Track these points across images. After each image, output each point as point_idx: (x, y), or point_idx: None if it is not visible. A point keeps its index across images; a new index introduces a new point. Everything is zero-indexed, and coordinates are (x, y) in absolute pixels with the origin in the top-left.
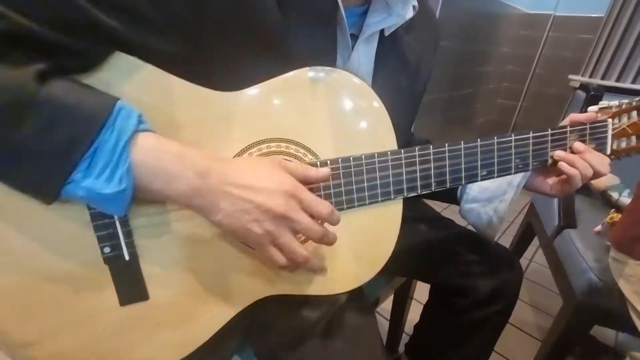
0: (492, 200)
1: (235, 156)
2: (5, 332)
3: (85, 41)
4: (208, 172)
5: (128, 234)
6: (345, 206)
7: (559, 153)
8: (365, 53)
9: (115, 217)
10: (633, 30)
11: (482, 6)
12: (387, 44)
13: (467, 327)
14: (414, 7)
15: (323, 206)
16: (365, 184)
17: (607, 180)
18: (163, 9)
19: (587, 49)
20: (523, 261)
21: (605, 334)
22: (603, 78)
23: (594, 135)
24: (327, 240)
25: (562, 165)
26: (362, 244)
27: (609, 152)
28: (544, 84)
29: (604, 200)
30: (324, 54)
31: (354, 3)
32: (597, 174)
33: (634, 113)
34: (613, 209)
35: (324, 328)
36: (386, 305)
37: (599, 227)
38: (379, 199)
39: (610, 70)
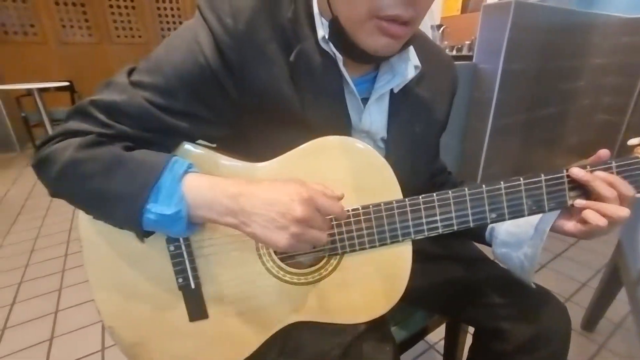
0: (521, 245)
1: None
2: (118, 335)
3: (161, 135)
4: (238, 195)
5: (193, 268)
6: (357, 248)
7: (580, 201)
8: (377, 111)
9: (184, 253)
10: None
11: (560, 21)
12: (399, 98)
13: None
14: (415, 67)
15: (335, 207)
16: (375, 229)
17: None
18: (213, 109)
19: None
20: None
21: None
22: None
23: (623, 173)
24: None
25: (587, 213)
26: (378, 279)
27: None
28: None
29: None
30: (337, 120)
31: (363, 72)
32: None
33: None
34: None
35: (339, 356)
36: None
37: None
38: (388, 241)
39: None
